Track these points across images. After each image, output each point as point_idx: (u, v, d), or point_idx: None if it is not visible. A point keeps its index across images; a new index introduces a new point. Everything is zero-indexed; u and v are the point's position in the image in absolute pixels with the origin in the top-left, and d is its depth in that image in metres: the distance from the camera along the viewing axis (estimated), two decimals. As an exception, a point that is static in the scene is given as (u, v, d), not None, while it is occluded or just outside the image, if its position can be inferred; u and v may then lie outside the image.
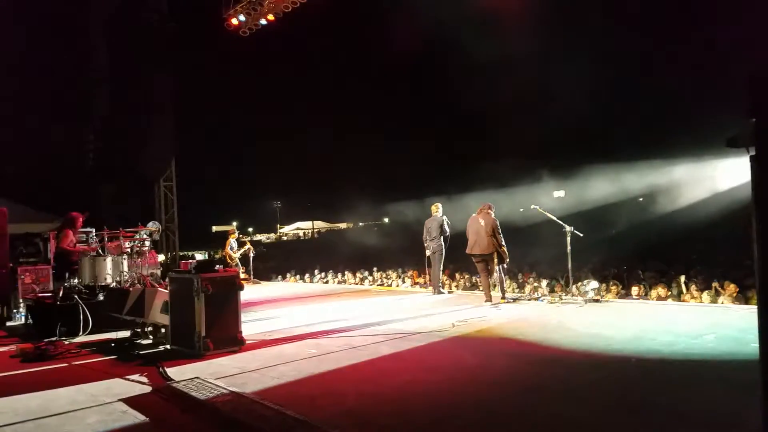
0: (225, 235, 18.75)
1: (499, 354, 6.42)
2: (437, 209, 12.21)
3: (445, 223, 12.01)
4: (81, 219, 9.95)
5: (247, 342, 7.04)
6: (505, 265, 10.63)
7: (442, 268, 12.39)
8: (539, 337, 7.03)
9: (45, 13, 18.42)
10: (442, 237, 11.98)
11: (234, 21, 16.36)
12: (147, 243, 9.87)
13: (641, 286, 13.50)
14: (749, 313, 8.37)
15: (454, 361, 6.24)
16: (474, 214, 10.82)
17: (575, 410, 4.40)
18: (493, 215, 10.62)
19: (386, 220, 52.83)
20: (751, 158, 2.76)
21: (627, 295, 13.11)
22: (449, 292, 12.56)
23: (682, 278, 13.10)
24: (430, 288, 12.65)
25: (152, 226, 11.29)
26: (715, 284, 12.55)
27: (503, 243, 10.43)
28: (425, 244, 12.23)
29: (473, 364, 6.06)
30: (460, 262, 16.49)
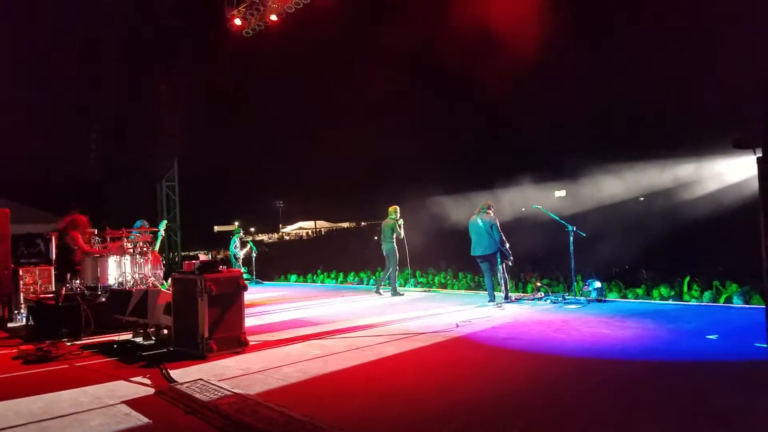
0: (227, 235, 18.73)
1: (504, 354, 6.42)
2: (393, 212, 12.54)
3: (397, 225, 12.37)
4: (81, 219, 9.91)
5: (251, 343, 7.03)
6: (509, 263, 10.62)
7: (398, 269, 12.77)
8: (543, 337, 7.03)
9: (48, 15, 18.39)
10: (395, 240, 12.39)
11: (237, 21, 16.34)
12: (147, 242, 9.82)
13: (643, 286, 13.48)
14: (751, 312, 8.38)
15: (460, 361, 6.23)
16: (473, 215, 10.79)
17: (586, 408, 4.40)
18: (492, 214, 10.59)
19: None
20: (758, 159, 2.75)
21: (629, 294, 13.07)
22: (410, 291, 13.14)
23: (684, 278, 13.08)
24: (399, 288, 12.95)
25: (141, 225, 11.22)
26: (716, 283, 12.52)
27: (505, 241, 10.40)
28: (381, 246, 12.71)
29: (478, 364, 6.06)
30: (461, 261, 16.48)
